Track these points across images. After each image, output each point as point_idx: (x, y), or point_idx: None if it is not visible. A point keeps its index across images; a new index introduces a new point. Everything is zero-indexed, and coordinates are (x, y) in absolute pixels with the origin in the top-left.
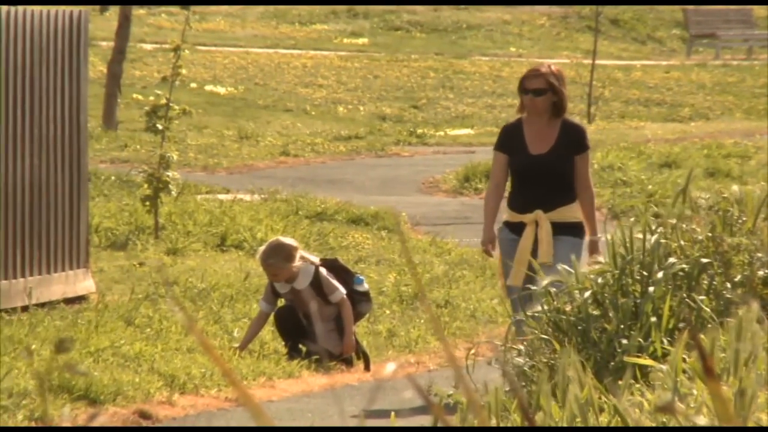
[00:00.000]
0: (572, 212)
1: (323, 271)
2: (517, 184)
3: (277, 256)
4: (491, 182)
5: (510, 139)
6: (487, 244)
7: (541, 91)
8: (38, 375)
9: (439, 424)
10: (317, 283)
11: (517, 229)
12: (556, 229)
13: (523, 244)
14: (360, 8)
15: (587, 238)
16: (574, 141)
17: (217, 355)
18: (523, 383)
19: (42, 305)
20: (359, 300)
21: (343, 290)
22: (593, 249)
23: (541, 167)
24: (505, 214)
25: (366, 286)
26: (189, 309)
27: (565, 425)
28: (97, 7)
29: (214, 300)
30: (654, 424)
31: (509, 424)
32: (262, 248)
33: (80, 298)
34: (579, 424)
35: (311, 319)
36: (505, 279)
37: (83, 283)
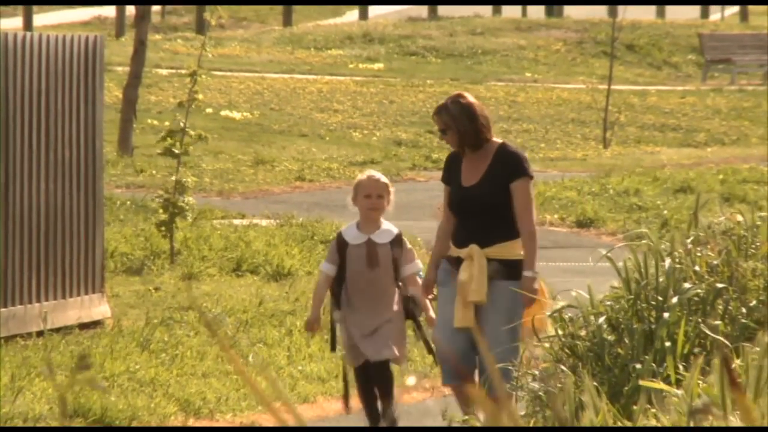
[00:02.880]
0: (512, 249)
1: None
2: (455, 218)
3: (386, 183)
4: (443, 218)
5: (449, 170)
6: (426, 287)
7: (443, 131)
8: (59, 392)
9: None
10: (398, 243)
11: (455, 263)
12: (494, 268)
13: (462, 281)
14: (375, 33)
15: (525, 273)
16: (506, 168)
17: (250, 378)
18: (537, 408)
19: (57, 330)
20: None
21: (421, 265)
22: (526, 286)
23: (472, 200)
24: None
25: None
26: (205, 334)
27: None
28: (113, 32)
29: (230, 325)
30: None
31: None
32: (367, 172)
33: (95, 323)
34: None
35: (367, 295)
36: (440, 308)
37: (98, 308)
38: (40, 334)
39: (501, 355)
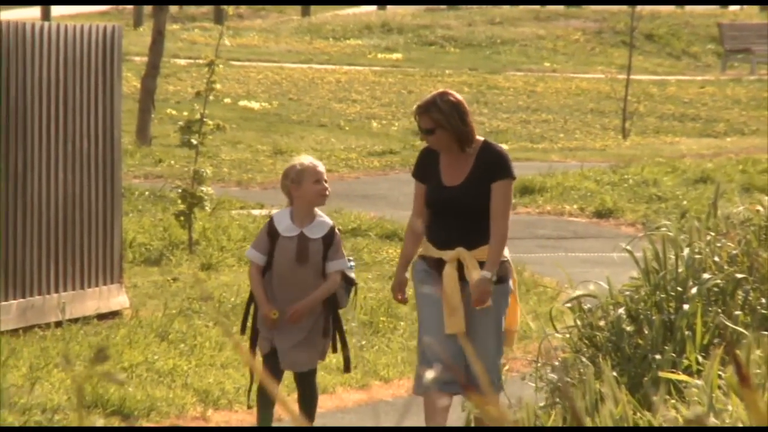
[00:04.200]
0: None
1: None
2: (434, 218)
3: None
4: (412, 215)
5: (426, 166)
6: (397, 290)
7: (429, 130)
8: (76, 384)
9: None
10: (330, 237)
11: (434, 265)
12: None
13: (449, 285)
14: (394, 23)
15: (484, 273)
16: (490, 168)
17: (258, 369)
18: (557, 400)
19: (75, 321)
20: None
21: (347, 263)
22: (481, 285)
23: (455, 201)
24: (422, 247)
25: (353, 274)
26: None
27: None
28: (131, 22)
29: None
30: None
31: None
32: (304, 157)
33: (114, 314)
34: None
35: (292, 293)
36: (425, 307)
37: (117, 298)
38: (58, 324)
39: (492, 361)
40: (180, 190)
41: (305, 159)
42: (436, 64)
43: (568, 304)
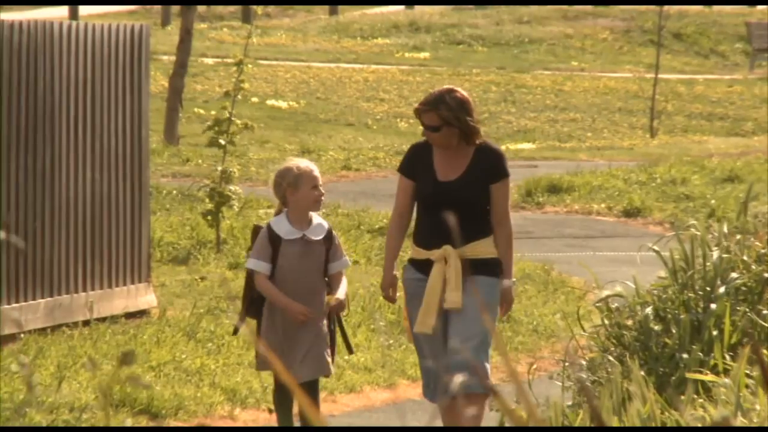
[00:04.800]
0: (487, 247)
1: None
2: (423, 215)
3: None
4: (394, 212)
5: (417, 162)
6: (387, 288)
7: (435, 127)
8: (101, 387)
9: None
10: (330, 238)
11: (423, 267)
12: (470, 267)
13: (431, 285)
14: (422, 22)
15: (506, 282)
16: (489, 167)
17: (281, 369)
18: (584, 399)
19: (103, 319)
20: None
21: (349, 262)
22: (505, 297)
23: (451, 196)
24: (410, 250)
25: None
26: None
27: None
28: (159, 20)
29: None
30: None
31: None
32: (300, 161)
33: (141, 313)
34: None
35: (296, 298)
36: (412, 325)
37: (145, 297)
38: (86, 323)
39: (475, 352)
40: (208, 190)
41: (301, 163)
42: (463, 63)
43: (598, 304)
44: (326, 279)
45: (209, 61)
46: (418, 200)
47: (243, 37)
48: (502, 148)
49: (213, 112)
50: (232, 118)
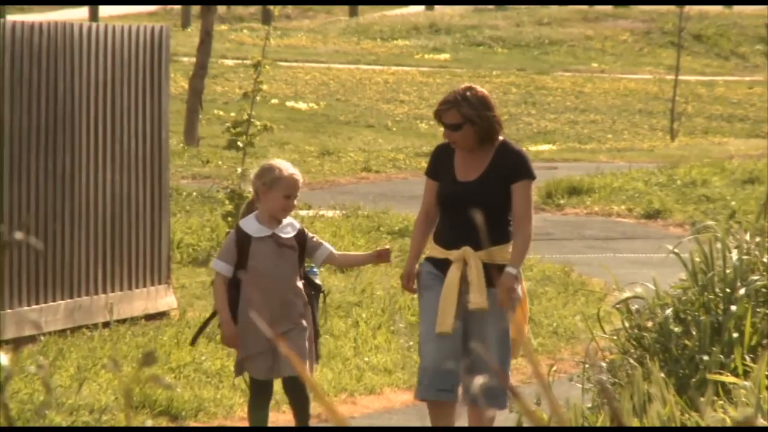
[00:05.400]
0: (505, 254)
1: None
2: (443, 215)
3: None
4: (420, 211)
5: (438, 163)
6: (407, 278)
7: (457, 125)
8: (124, 388)
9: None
10: (302, 236)
11: (441, 265)
12: (486, 274)
13: (448, 285)
14: (442, 24)
15: (509, 269)
16: (510, 167)
17: (302, 370)
18: (605, 400)
19: (123, 321)
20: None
21: (331, 246)
22: (507, 281)
23: (469, 196)
24: (429, 248)
25: (319, 280)
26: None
27: None
28: (179, 22)
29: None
30: None
31: None
32: (287, 165)
33: (161, 314)
34: None
35: (271, 296)
36: (424, 315)
37: (164, 299)
38: (106, 325)
39: (497, 368)
40: (227, 191)
41: (287, 168)
42: (483, 64)
43: (618, 306)
44: (303, 281)
45: (229, 62)
46: (438, 200)
47: (263, 39)
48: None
49: (233, 114)
50: (252, 120)
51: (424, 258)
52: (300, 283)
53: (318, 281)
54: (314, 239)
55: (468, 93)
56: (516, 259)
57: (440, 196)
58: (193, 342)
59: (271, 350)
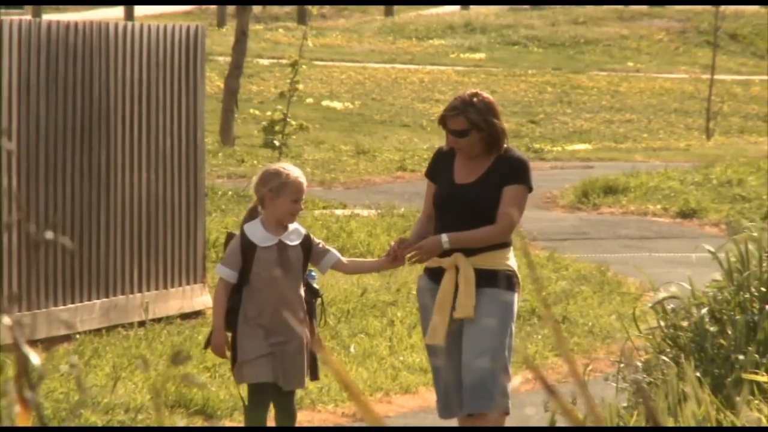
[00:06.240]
0: (500, 258)
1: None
2: (438, 219)
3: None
4: (422, 213)
5: (438, 165)
6: (403, 244)
7: (463, 132)
8: (155, 388)
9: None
10: (308, 243)
11: (436, 276)
12: (480, 279)
13: (441, 294)
14: (477, 23)
15: (444, 240)
16: (507, 172)
17: (338, 368)
18: (640, 400)
19: (158, 320)
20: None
21: (338, 253)
22: (428, 242)
23: (463, 199)
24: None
25: (317, 285)
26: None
27: None
28: (214, 21)
29: (331, 315)
30: None
31: None
32: (292, 168)
33: (197, 313)
34: None
35: (274, 305)
36: (424, 335)
37: (200, 298)
38: (141, 324)
39: (487, 369)
40: None
41: (293, 171)
42: (519, 63)
43: (653, 305)
44: (304, 288)
45: (264, 61)
46: (434, 203)
47: (298, 38)
48: (557, 148)
49: (268, 113)
50: (288, 119)
51: (423, 271)
52: (302, 291)
53: (316, 285)
54: (320, 246)
55: (474, 99)
56: (461, 236)
57: (436, 199)
58: (206, 346)
59: (271, 355)
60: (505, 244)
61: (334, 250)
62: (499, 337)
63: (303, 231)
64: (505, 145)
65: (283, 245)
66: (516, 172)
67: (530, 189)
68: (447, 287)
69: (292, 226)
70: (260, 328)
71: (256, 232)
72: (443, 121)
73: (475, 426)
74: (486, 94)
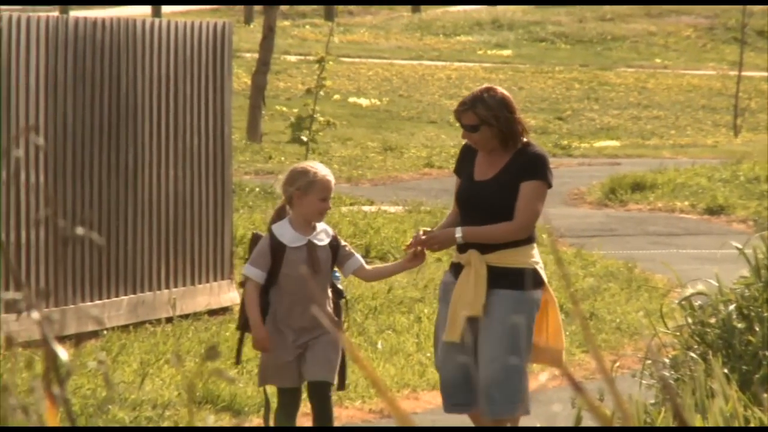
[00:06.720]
0: (517, 256)
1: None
2: (460, 216)
3: None
4: (452, 208)
5: (462, 161)
6: (429, 234)
7: (474, 127)
8: (189, 383)
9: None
10: (336, 243)
11: (458, 271)
12: (494, 277)
13: (456, 291)
14: (504, 19)
15: (458, 234)
16: (524, 167)
17: (366, 365)
18: (667, 397)
19: (186, 316)
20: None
21: (361, 258)
22: (441, 234)
23: (481, 196)
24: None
25: (341, 286)
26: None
27: None
28: (242, 18)
29: (358, 311)
30: None
31: None
32: (320, 167)
33: (224, 310)
34: None
35: (302, 306)
36: (436, 328)
37: (227, 294)
38: (168, 320)
39: (499, 373)
40: None
41: (321, 169)
42: (546, 60)
43: (681, 302)
44: (331, 288)
45: (292, 58)
46: (456, 199)
47: (325, 35)
48: (584, 145)
49: (295, 110)
50: (315, 116)
51: (449, 266)
52: (330, 292)
53: (340, 286)
54: (346, 248)
55: (485, 95)
56: (474, 231)
57: (458, 195)
58: (238, 361)
59: (296, 360)
60: (524, 241)
61: (358, 255)
62: (510, 341)
63: (331, 231)
64: (524, 140)
65: (313, 245)
66: (534, 167)
67: (549, 185)
68: (462, 284)
69: (320, 226)
70: (289, 330)
71: (285, 232)
72: (456, 115)
73: (496, 426)
74: (500, 89)
